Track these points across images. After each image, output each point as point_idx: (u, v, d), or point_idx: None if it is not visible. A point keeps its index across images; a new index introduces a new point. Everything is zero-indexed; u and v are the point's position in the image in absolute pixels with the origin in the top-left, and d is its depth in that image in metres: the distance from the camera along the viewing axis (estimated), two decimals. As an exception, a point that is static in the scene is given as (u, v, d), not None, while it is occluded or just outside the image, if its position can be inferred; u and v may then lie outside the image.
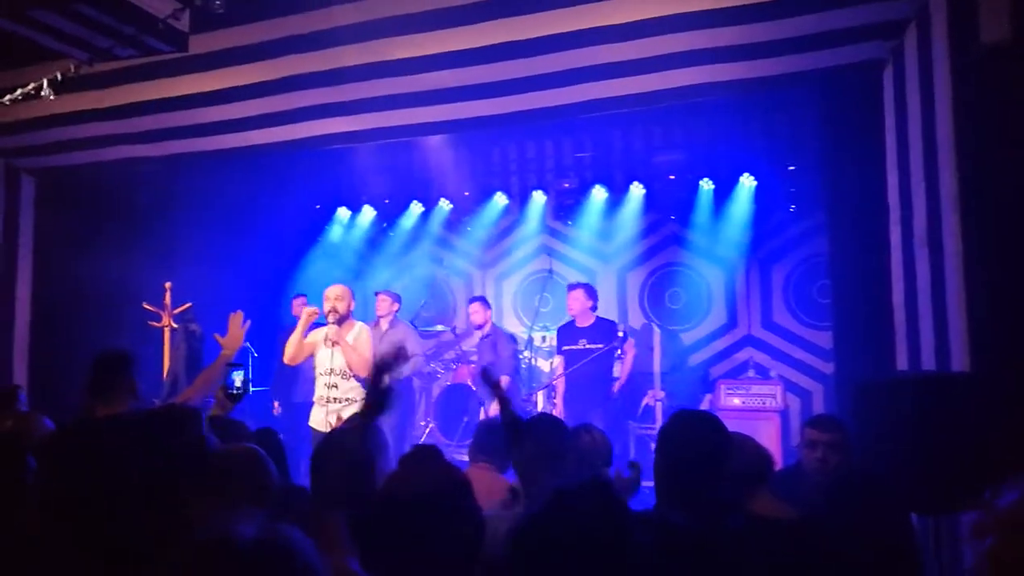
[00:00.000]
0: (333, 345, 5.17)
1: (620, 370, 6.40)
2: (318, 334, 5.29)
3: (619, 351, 6.45)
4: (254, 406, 7.53)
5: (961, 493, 2.50)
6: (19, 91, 4.72)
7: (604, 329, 6.23)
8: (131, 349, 3.57)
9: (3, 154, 6.21)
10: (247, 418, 3.87)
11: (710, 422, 2.30)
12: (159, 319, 6.44)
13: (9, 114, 5.09)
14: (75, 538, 2.04)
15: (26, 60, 5.01)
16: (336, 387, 5.15)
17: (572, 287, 6.37)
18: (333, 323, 5.16)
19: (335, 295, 5.24)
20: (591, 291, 6.35)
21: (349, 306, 5.29)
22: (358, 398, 5.12)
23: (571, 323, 6.33)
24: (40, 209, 6.61)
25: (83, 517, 2.07)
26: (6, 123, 5.45)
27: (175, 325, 6.56)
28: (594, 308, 6.30)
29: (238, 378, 3.31)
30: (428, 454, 1.82)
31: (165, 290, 6.40)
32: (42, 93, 4.60)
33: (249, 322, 3.61)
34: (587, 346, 6.09)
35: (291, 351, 5.20)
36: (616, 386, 6.26)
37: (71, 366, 5.03)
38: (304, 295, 7.34)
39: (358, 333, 5.27)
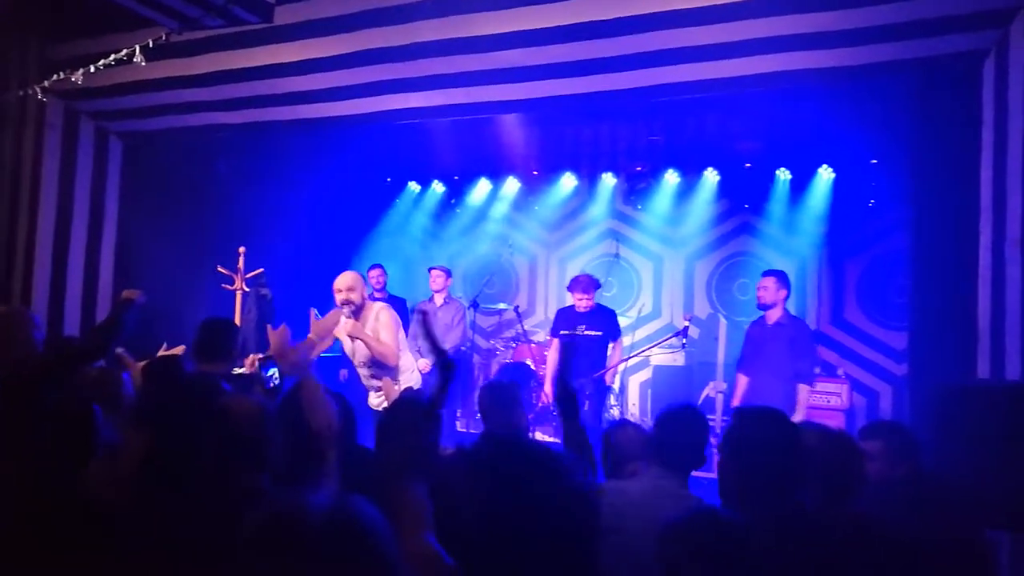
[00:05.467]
0: (353, 340, 4.78)
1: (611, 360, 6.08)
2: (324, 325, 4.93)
3: (684, 340, 6.37)
4: (323, 373, 7.69)
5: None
6: (112, 57, 4.88)
7: (604, 316, 6.09)
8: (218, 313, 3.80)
9: (94, 117, 6.45)
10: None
11: (779, 421, 2.23)
12: (232, 282, 6.60)
13: (102, 79, 5.26)
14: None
15: (119, 27, 5.18)
16: (375, 376, 4.84)
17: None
18: (349, 316, 4.67)
19: (346, 286, 4.69)
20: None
21: (363, 293, 4.81)
22: (402, 379, 4.90)
23: (570, 308, 6.15)
24: (125, 171, 6.86)
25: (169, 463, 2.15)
26: (99, 87, 5.64)
27: (247, 289, 6.71)
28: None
29: (274, 373, 3.42)
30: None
31: (239, 254, 6.55)
32: (134, 60, 4.74)
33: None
34: (586, 332, 5.95)
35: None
36: (604, 374, 5.99)
37: (149, 324, 5.22)
38: (381, 265, 7.43)
39: (376, 317, 4.79)
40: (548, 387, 6.20)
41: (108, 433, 2.69)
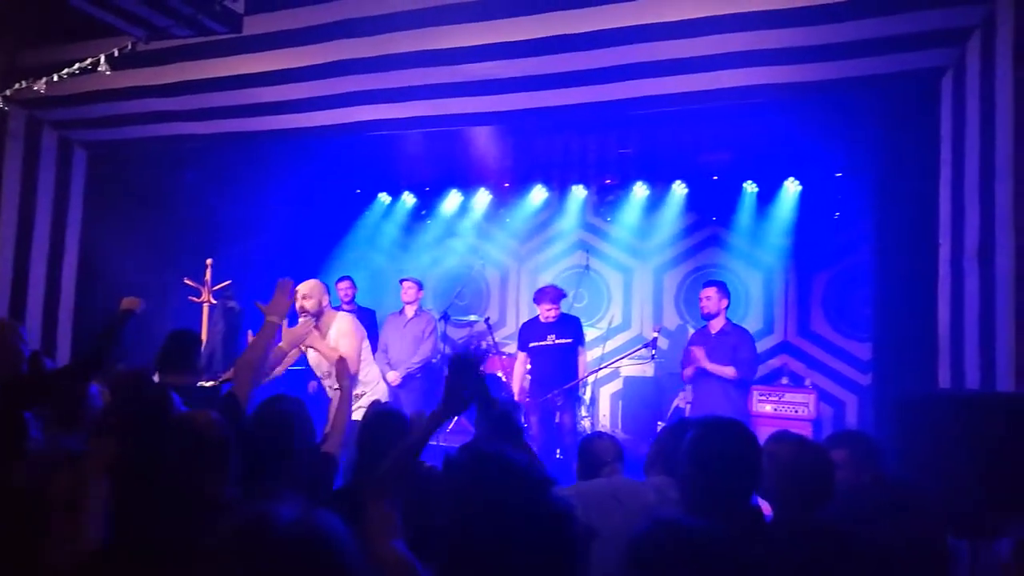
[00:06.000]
0: (306, 349, 4.74)
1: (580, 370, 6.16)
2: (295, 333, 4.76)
3: (653, 351, 6.41)
4: (290, 386, 7.62)
5: (1004, 518, 2.45)
6: (77, 65, 4.81)
7: (570, 323, 6.14)
8: (187, 326, 3.75)
9: (58, 126, 6.34)
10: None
11: (742, 432, 2.25)
12: (199, 295, 6.52)
13: (66, 88, 5.18)
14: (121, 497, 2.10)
15: (85, 35, 5.11)
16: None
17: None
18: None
19: (301, 293, 4.68)
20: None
21: (321, 302, 4.79)
22: (367, 391, 4.96)
23: (535, 320, 6.20)
24: (90, 181, 6.75)
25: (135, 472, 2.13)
26: (63, 96, 5.55)
27: (214, 301, 6.64)
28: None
29: None
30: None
31: (206, 266, 6.48)
32: (99, 68, 4.68)
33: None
34: (556, 341, 5.99)
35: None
36: (576, 384, 6.10)
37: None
38: (350, 278, 7.37)
39: (337, 326, 4.79)
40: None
41: (71, 442, 2.65)
